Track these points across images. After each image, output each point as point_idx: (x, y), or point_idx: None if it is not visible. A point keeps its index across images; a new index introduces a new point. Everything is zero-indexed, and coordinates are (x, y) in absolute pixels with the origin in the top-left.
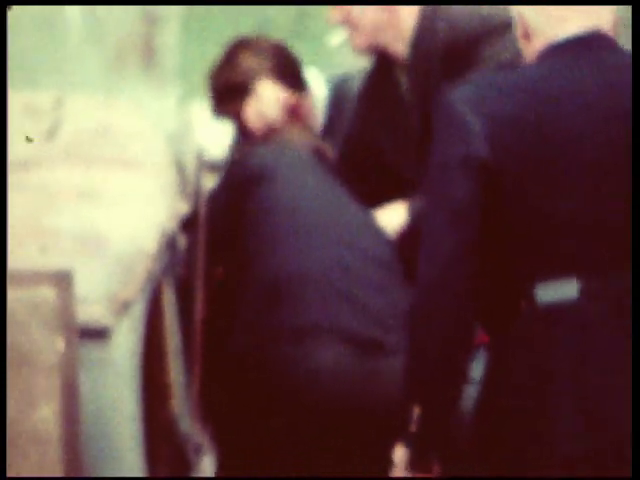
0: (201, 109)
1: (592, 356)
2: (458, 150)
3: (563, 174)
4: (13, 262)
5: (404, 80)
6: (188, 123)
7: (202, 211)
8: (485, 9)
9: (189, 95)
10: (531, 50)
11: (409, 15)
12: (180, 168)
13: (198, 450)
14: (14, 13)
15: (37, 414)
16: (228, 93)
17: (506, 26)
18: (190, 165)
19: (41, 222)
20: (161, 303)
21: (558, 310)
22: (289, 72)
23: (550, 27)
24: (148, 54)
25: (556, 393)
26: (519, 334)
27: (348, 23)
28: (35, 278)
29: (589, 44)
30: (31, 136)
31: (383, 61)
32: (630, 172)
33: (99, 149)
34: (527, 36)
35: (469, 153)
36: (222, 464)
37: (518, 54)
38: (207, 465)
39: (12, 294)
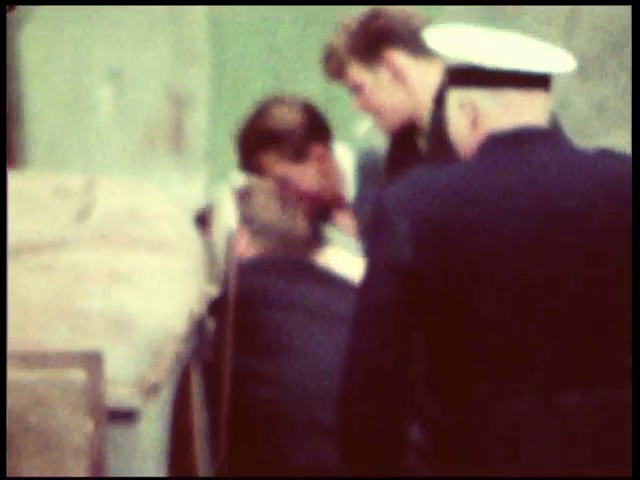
0: (231, 191)
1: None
2: (383, 251)
3: (490, 279)
4: (43, 343)
5: (424, 144)
6: (216, 205)
7: (231, 293)
8: None
9: (217, 177)
10: (472, 140)
11: (425, 81)
12: (209, 250)
13: None
14: (44, 97)
15: None
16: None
17: None
18: (219, 247)
19: (71, 303)
20: (189, 385)
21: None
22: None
23: (502, 114)
24: (176, 137)
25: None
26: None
27: (370, 109)
28: (65, 359)
29: (532, 139)
30: (62, 218)
31: (403, 131)
32: (566, 278)
33: (129, 231)
34: (475, 124)
35: (392, 255)
36: None
37: None
38: None
39: (41, 375)
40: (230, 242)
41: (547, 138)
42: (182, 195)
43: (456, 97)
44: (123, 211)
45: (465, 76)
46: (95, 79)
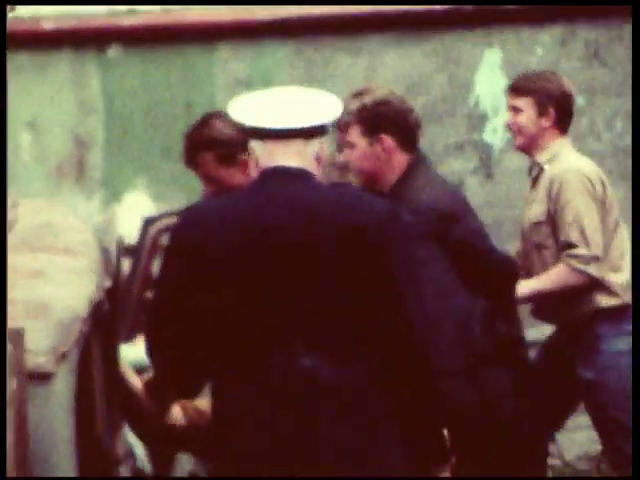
0: (121, 209)
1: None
2: (172, 255)
3: (250, 261)
4: None
5: None
6: (111, 219)
7: (120, 284)
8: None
9: (112, 199)
10: (257, 172)
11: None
12: (104, 252)
13: (118, 460)
14: None
15: None
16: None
17: None
18: (112, 250)
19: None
20: (90, 350)
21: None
22: None
23: (266, 158)
24: (80, 169)
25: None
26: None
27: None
28: None
29: (281, 175)
30: None
31: None
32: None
33: (43, 239)
34: (256, 163)
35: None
36: None
37: None
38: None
39: None
40: (120, 245)
41: (297, 176)
42: (85, 212)
43: (250, 144)
44: (39, 224)
45: (246, 131)
46: (17, 127)
